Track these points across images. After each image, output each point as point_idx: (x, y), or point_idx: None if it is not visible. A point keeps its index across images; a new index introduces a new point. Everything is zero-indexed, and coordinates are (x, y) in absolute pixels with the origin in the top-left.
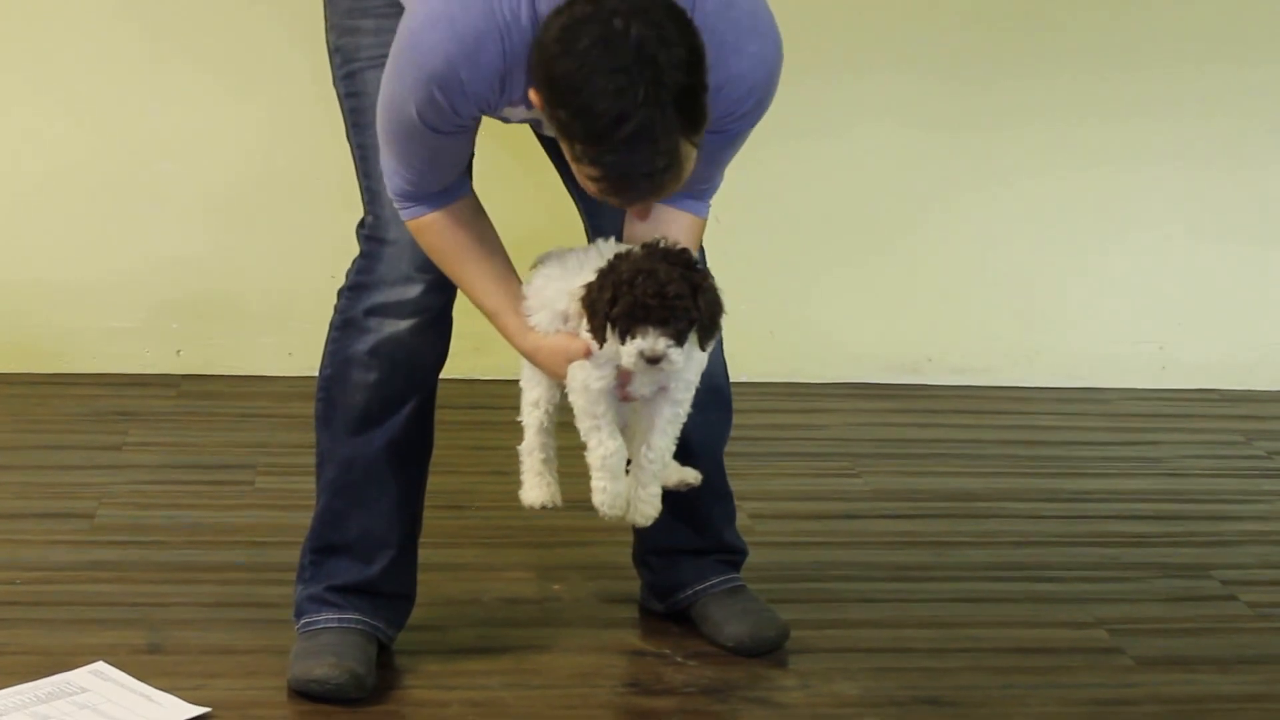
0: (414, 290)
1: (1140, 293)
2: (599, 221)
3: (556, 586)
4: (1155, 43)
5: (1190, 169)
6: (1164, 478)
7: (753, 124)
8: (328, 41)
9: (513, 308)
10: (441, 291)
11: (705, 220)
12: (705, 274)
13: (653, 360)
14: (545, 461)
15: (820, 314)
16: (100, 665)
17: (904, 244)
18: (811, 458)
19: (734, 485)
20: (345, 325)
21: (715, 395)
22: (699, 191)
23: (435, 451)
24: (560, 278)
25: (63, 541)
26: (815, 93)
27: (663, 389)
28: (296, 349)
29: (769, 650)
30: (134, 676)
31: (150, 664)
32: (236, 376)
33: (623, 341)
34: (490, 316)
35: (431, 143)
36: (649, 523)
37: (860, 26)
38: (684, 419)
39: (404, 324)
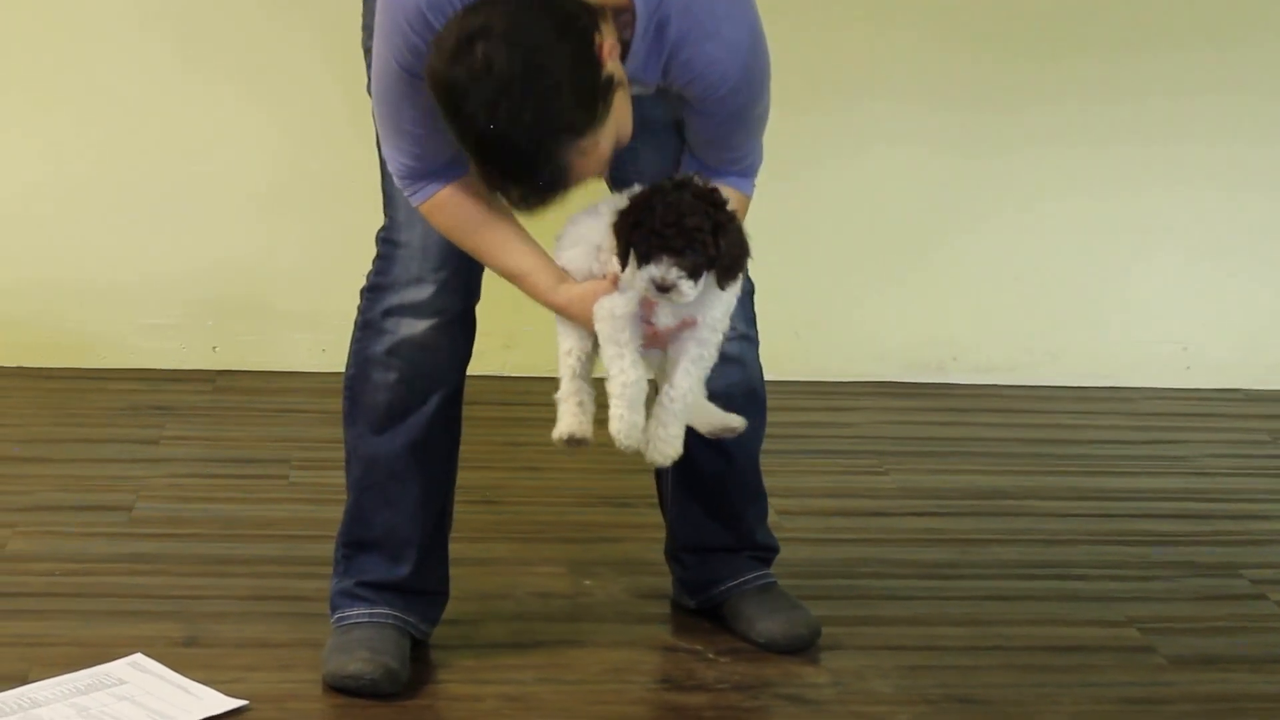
0: (426, 292)
1: (1164, 293)
2: None
3: (589, 582)
4: (1172, 74)
5: (1213, 177)
6: (1190, 477)
7: (743, 105)
8: (363, 43)
9: (540, 266)
10: (457, 292)
11: (750, 198)
12: (731, 215)
13: (662, 289)
14: (580, 404)
15: (847, 314)
16: (138, 657)
17: (929, 245)
18: (839, 455)
19: (763, 482)
20: (365, 326)
21: (751, 397)
22: (736, 169)
23: (467, 447)
24: (595, 215)
25: (101, 534)
26: (847, 109)
27: (688, 325)
28: (330, 345)
29: (801, 648)
30: (171, 669)
31: (187, 656)
32: (271, 372)
33: (639, 267)
34: (518, 280)
35: (421, 100)
36: (668, 462)
37: (889, 57)
38: (710, 361)
39: (421, 325)
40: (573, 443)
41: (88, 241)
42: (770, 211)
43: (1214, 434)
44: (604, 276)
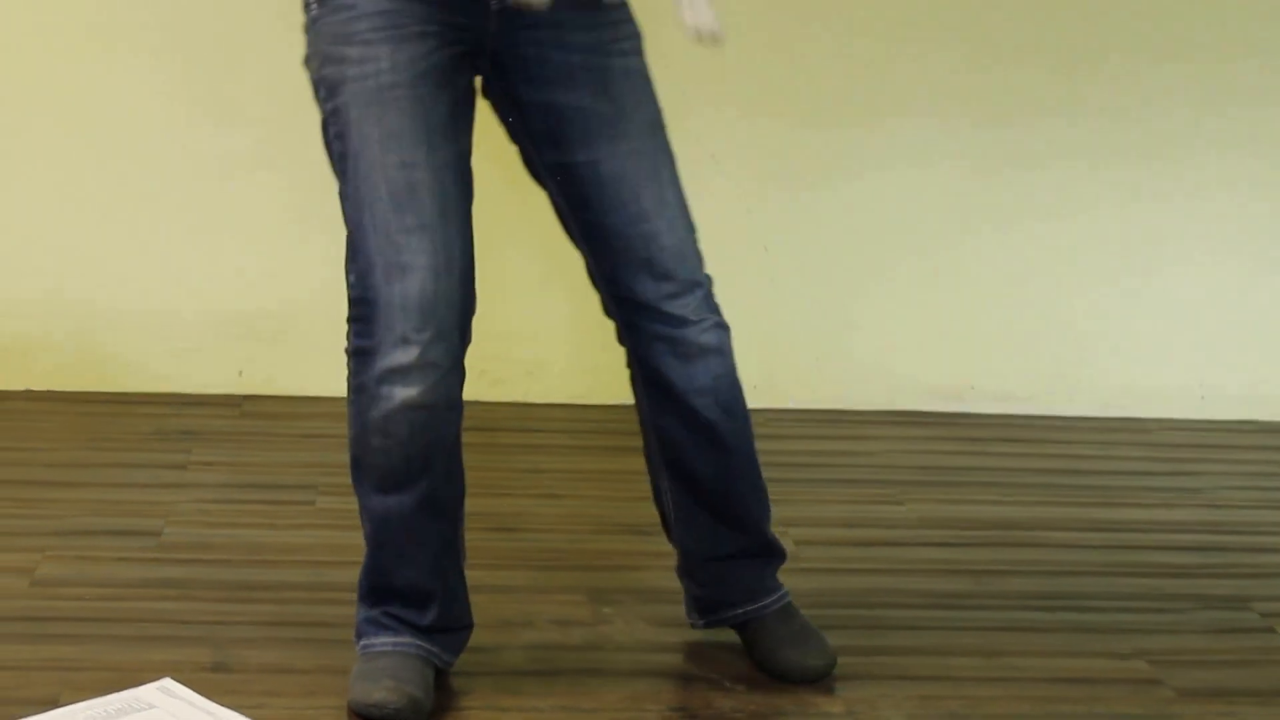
0: (412, 353)
1: (1179, 323)
2: (601, 259)
3: (608, 610)
4: (1188, 89)
5: (1230, 202)
6: (1204, 509)
7: None
8: (310, 69)
9: None
10: (444, 347)
11: None
12: None
13: None
14: None
15: (864, 343)
16: (167, 682)
17: (946, 274)
18: (856, 484)
19: (779, 511)
20: (360, 390)
21: (735, 391)
22: None
23: (487, 474)
24: None
25: (130, 559)
26: (862, 133)
27: None
28: None
29: (818, 678)
30: (199, 693)
31: (215, 682)
32: (297, 397)
33: None
34: None
35: None
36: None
37: (904, 75)
38: None
39: (414, 390)
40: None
41: (115, 267)
42: (789, 240)
43: (1229, 466)
44: None
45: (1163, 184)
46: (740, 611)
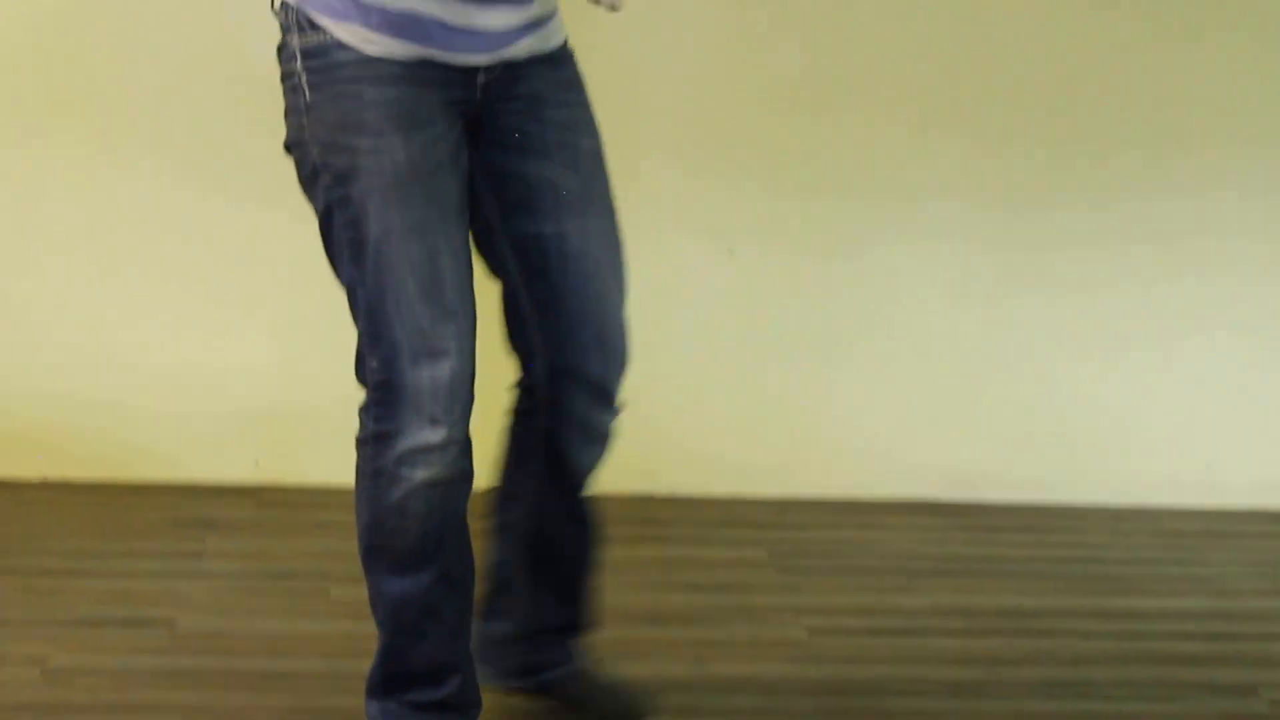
0: (441, 433)
1: (1190, 410)
2: (549, 331)
3: None
4: (1199, 175)
5: (1241, 288)
6: (1213, 597)
7: None
8: (306, 155)
9: None
10: (465, 420)
11: None
12: None
13: None
14: None
15: (877, 431)
16: None
17: (960, 363)
18: (869, 573)
19: (793, 599)
20: (377, 474)
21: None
22: None
23: None
24: None
25: (144, 649)
26: (872, 215)
27: None
28: None
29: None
30: None
31: None
32: (313, 487)
33: None
34: None
35: None
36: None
37: (911, 157)
38: None
39: (434, 469)
40: None
41: (131, 357)
42: (800, 328)
43: (1239, 554)
44: None
45: (1175, 269)
46: (564, 670)
